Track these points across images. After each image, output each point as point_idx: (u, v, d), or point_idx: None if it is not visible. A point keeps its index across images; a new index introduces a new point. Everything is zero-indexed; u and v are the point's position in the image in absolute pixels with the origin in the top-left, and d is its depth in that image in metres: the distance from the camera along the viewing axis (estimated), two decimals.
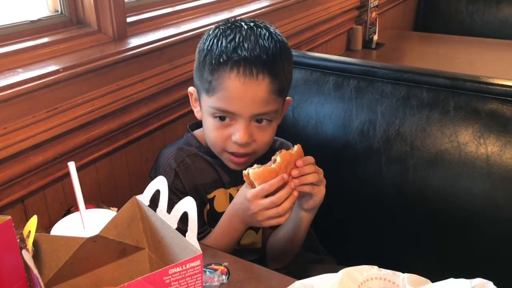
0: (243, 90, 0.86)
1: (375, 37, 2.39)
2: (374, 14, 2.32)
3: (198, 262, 0.52)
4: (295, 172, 0.84)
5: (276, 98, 0.89)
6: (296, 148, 0.87)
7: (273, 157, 0.85)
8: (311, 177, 0.85)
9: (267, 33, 0.90)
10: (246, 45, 0.86)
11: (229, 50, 0.86)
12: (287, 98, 0.98)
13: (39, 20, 1.06)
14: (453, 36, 2.56)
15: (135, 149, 1.14)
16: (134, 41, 1.15)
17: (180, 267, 0.51)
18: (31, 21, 1.04)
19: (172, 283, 0.52)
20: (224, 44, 0.87)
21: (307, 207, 0.91)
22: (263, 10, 1.57)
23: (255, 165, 0.85)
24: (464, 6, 2.91)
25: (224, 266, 0.78)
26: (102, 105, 1.02)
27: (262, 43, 0.87)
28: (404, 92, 1.12)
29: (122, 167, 1.12)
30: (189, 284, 0.53)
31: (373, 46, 2.36)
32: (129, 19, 1.20)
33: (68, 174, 0.94)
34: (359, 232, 1.19)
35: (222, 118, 0.89)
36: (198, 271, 0.52)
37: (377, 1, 2.34)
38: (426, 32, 2.81)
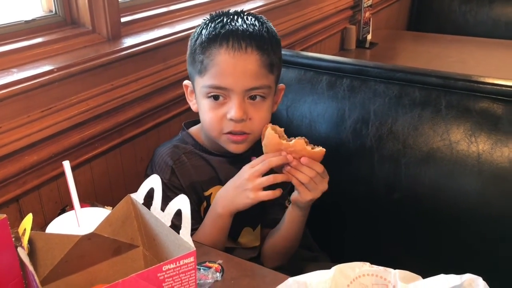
0: (233, 63, 0.88)
1: (369, 37, 2.40)
2: (367, 14, 2.34)
3: (191, 259, 0.53)
4: (294, 162, 0.86)
5: (267, 74, 0.91)
6: (318, 149, 0.88)
7: (292, 137, 0.88)
8: (302, 176, 0.87)
9: (253, 17, 0.95)
10: (233, 23, 0.91)
11: (217, 29, 0.90)
12: (280, 85, 1.00)
13: (33, 20, 1.06)
14: (446, 36, 2.58)
15: (130, 148, 1.15)
16: (128, 41, 1.15)
17: (174, 263, 0.52)
18: (25, 21, 1.04)
19: (166, 280, 0.52)
20: (213, 26, 0.92)
21: (292, 198, 0.94)
22: (257, 9, 1.58)
23: (282, 129, 0.89)
24: (457, 6, 2.93)
25: (218, 264, 0.79)
26: (97, 105, 1.03)
27: (249, 22, 0.92)
28: (396, 91, 1.13)
29: (116, 166, 1.13)
30: (183, 281, 0.53)
31: (367, 45, 2.37)
32: (123, 19, 1.21)
33: (63, 174, 0.95)
34: (352, 230, 1.20)
35: (216, 98, 0.91)
36: (191, 267, 0.53)
37: (371, 0, 2.35)
38: (420, 32, 2.83)
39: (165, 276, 0.52)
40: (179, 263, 0.52)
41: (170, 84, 1.19)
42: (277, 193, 0.89)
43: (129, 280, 0.50)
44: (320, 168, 0.88)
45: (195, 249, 0.53)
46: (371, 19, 2.39)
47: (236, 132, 0.92)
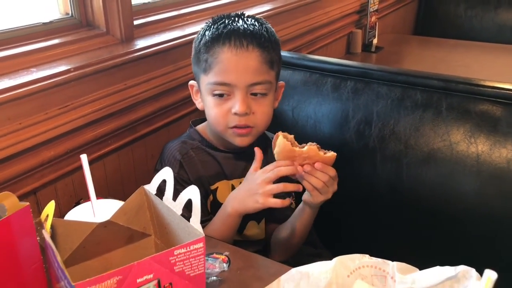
0: (236, 60, 0.94)
1: (375, 41, 2.44)
2: (373, 18, 2.37)
3: (201, 245, 0.57)
4: (307, 168, 0.89)
5: (267, 70, 0.96)
6: (330, 154, 0.91)
7: (304, 144, 0.91)
8: (316, 181, 0.90)
9: (253, 19, 1.00)
10: (234, 24, 0.97)
11: (220, 29, 0.96)
12: (280, 82, 1.04)
13: (51, 22, 1.11)
14: (451, 40, 2.61)
15: (141, 146, 1.20)
16: (140, 43, 1.20)
17: (185, 248, 0.56)
18: (43, 23, 1.09)
19: (177, 263, 0.56)
20: (215, 27, 0.97)
21: (304, 199, 0.98)
22: (265, 13, 1.62)
23: (292, 136, 0.91)
24: (463, 11, 2.96)
25: (225, 255, 0.83)
26: (110, 104, 1.07)
27: (249, 22, 0.98)
28: (399, 93, 1.16)
29: (128, 163, 1.17)
30: (193, 264, 0.57)
31: (373, 49, 2.41)
32: (136, 22, 1.25)
33: (77, 169, 1.00)
34: (355, 228, 1.23)
35: (220, 96, 0.96)
36: (201, 252, 0.57)
37: (377, 5, 2.39)
38: (426, 36, 2.86)
39: (176, 260, 0.56)
40: (189, 248, 0.56)
41: (180, 84, 1.23)
42: (286, 202, 0.92)
43: (143, 263, 0.54)
44: (333, 172, 0.92)
45: (204, 235, 0.57)
46: (377, 23, 2.43)
47: (241, 126, 0.96)
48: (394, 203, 1.16)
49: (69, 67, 1.02)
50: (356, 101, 1.20)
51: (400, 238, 1.18)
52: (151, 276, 0.55)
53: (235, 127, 0.96)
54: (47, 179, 0.97)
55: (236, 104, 0.94)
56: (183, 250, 0.56)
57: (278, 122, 1.18)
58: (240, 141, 0.99)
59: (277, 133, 0.91)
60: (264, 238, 1.08)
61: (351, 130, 1.19)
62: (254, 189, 0.91)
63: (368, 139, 1.17)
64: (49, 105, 0.97)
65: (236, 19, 0.98)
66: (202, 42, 0.98)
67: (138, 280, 0.54)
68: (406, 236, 1.18)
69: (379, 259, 0.77)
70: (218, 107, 0.97)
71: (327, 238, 1.25)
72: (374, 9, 2.36)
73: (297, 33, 1.79)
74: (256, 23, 0.99)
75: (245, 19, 0.99)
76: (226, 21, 0.98)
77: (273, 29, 1.02)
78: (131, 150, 1.17)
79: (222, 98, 0.96)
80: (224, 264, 0.80)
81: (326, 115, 1.23)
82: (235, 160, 1.03)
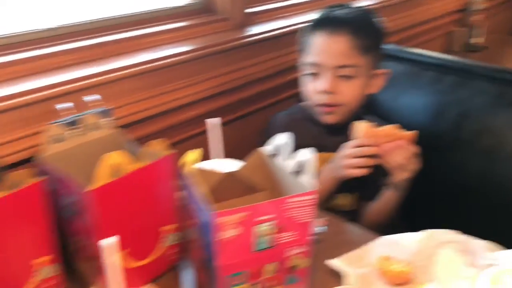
0: (327, 44, 1.06)
1: (477, 40, 2.38)
2: (478, 17, 2.32)
3: (313, 196, 0.67)
4: (389, 145, 0.97)
5: (357, 54, 1.05)
6: (410, 132, 0.99)
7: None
8: (397, 157, 0.98)
9: (355, 8, 1.12)
10: (336, 12, 1.09)
11: (320, 16, 1.10)
12: (381, 69, 1.12)
13: (179, 7, 1.27)
14: None
15: (251, 120, 1.33)
16: (254, 29, 1.33)
17: (298, 197, 0.66)
18: (173, 7, 1.26)
19: (291, 210, 0.67)
20: (319, 14, 1.11)
21: (388, 181, 1.05)
22: (368, 7, 1.68)
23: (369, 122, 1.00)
24: None
25: (325, 219, 0.92)
26: (224, 82, 1.22)
27: (349, 10, 1.10)
28: (497, 90, 1.18)
29: (237, 135, 1.30)
30: (304, 213, 0.67)
31: (474, 49, 2.36)
32: (249, 10, 1.38)
33: (198, 134, 1.14)
34: (442, 217, 1.27)
35: (312, 75, 1.08)
36: (312, 203, 0.67)
37: (483, 4, 2.33)
38: None
39: (290, 206, 0.66)
40: (302, 197, 0.66)
41: (287, 68, 1.34)
42: (360, 172, 1.00)
43: (264, 204, 0.65)
44: (414, 149, 0.99)
45: (315, 188, 0.67)
46: (483, 22, 2.37)
47: (326, 104, 1.07)
48: (483, 197, 1.19)
49: (193, 47, 1.16)
50: (454, 95, 1.23)
51: (484, 231, 1.20)
52: (269, 217, 0.65)
53: (321, 105, 1.08)
54: (178, 139, 1.14)
55: (322, 82, 1.05)
56: (296, 199, 0.66)
57: (376, 110, 1.25)
58: (326, 118, 1.10)
59: (353, 123, 1.00)
60: (352, 211, 1.16)
61: (446, 122, 1.22)
62: (339, 161, 1.02)
63: (463, 133, 1.20)
64: (177, 77, 1.13)
65: (339, 7, 1.10)
66: (306, 27, 1.12)
67: (259, 218, 0.65)
68: (490, 231, 1.19)
69: (467, 236, 0.83)
70: (310, 85, 1.09)
71: (414, 225, 1.29)
72: (480, 8, 2.31)
73: (398, 27, 1.83)
74: (357, 11, 1.09)
75: (349, 8, 1.10)
76: (331, 9, 1.10)
77: (376, 18, 1.11)
78: (243, 123, 1.31)
79: (313, 77, 1.08)
80: (323, 227, 0.90)
81: (423, 106, 1.27)
82: (331, 135, 1.13)
